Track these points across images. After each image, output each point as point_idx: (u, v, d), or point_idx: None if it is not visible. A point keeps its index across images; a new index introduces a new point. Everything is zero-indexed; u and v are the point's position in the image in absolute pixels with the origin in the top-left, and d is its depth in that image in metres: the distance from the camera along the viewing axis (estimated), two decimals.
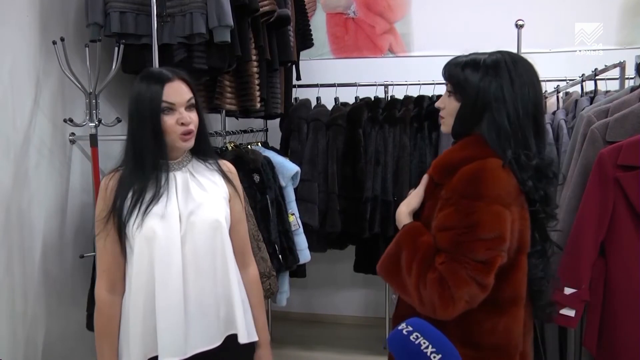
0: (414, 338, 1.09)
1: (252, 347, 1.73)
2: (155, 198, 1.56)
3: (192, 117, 1.58)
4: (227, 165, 1.76)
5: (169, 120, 1.55)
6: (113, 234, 1.58)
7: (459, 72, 1.41)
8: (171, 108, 1.55)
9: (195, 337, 1.58)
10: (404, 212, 1.46)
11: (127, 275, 1.60)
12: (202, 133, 1.65)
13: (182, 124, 1.55)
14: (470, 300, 1.28)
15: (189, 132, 1.57)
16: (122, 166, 1.62)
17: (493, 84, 1.35)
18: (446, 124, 1.49)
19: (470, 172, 1.32)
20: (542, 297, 1.47)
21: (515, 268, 1.36)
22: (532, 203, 1.38)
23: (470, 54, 1.44)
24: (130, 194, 1.56)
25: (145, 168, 1.57)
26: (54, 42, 2.22)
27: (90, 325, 2.43)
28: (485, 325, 1.36)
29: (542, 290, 1.46)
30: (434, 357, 1.05)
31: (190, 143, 1.60)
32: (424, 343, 1.08)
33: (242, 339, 1.64)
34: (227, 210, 1.67)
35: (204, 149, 1.69)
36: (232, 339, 1.65)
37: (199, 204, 1.60)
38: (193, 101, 1.59)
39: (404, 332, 1.11)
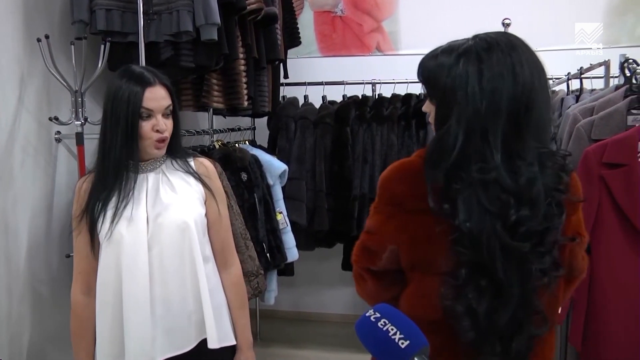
0: (381, 325, 1.08)
1: (230, 350, 1.70)
2: (123, 201, 1.55)
3: (168, 124, 1.57)
4: (203, 164, 1.72)
5: (145, 126, 1.53)
6: (85, 236, 1.58)
7: (429, 68, 1.22)
8: (149, 114, 1.53)
9: (164, 342, 1.56)
10: None
11: (97, 278, 1.60)
12: (175, 135, 1.64)
13: (158, 131, 1.54)
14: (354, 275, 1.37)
15: (163, 140, 1.57)
16: (95, 167, 1.61)
17: (457, 80, 1.12)
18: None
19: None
20: (462, 334, 1.14)
21: (409, 284, 1.24)
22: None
23: (449, 42, 1.21)
24: (101, 198, 1.55)
25: (114, 169, 1.55)
26: (39, 40, 2.19)
27: None
28: None
29: (460, 324, 1.14)
30: (402, 343, 1.04)
31: (163, 151, 1.60)
32: (392, 329, 1.07)
33: (212, 344, 1.60)
34: (200, 210, 1.64)
35: (175, 149, 1.66)
36: (206, 343, 1.61)
37: (166, 206, 1.58)
38: (171, 108, 1.58)
39: (372, 318, 1.10)
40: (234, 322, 1.72)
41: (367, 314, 1.11)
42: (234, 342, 1.70)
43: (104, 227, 1.53)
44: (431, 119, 1.26)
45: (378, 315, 1.10)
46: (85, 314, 1.61)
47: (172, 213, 1.58)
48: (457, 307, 1.13)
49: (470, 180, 1.10)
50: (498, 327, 1.13)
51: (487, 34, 1.16)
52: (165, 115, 1.56)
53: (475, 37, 1.16)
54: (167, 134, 1.57)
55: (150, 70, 1.58)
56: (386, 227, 1.23)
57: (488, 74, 1.09)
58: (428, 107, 1.27)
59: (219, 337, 1.62)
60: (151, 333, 1.53)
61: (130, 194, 1.56)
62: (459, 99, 1.11)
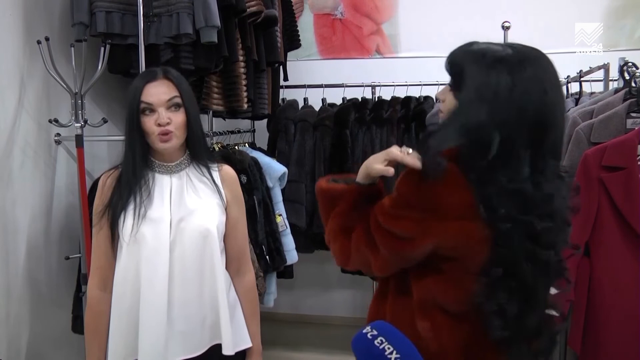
0: (378, 343, 1.09)
1: (240, 356, 1.71)
2: (142, 201, 1.55)
3: (172, 117, 1.54)
4: (228, 173, 1.71)
5: (147, 121, 1.53)
6: (106, 230, 1.57)
7: (455, 64, 1.22)
8: (151, 108, 1.53)
9: (176, 344, 1.56)
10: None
11: (115, 274, 1.60)
12: (194, 135, 1.61)
13: (159, 124, 1.52)
14: (361, 261, 1.28)
15: (166, 133, 1.53)
16: (120, 164, 1.62)
17: (490, 87, 1.14)
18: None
19: (407, 173, 1.22)
20: (492, 332, 1.19)
21: (443, 272, 1.22)
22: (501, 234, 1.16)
23: (486, 43, 1.22)
24: (124, 195, 1.56)
25: (134, 168, 1.56)
26: (39, 42, 2.20)
27: (75, 328, 2.41)
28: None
29: (491, 322, 1.19)
30: None
31: (170, 144, 1.55)
32: (389, 348, 1.07)
33: (227, 351, 1.61)
34: (221, 218, 1.64)
35: (198, 153, 1.65)
36: (218, 348, 1.62)
37: (190, 211, 1.58)
38: (177, 100, 1.55)
39: (369, 336, 1.11)
40: (247, 329, 1.73)
41: (364, 331, 1.11)
42: (249, 345, 1.71)
43: (126, 225, 1.54)
44: (443, 107, 1.29)
45: (375, 332, 1.10)
46: (101, 308, 1.60)
47: (195, 219, 1.58)
48: (488, 306, 1.17)
49: (501, 186, 1.13)
50: (526, 330, 1.20)
51: (523, 46, 1.20)
52: (170, 109, 1.54)
53: (512, 46, 1.20)
54: (172, 127, 1.53)
55: (162, 68, 1.59)
56: (423, 234, 1.18)
57: (520, 87, 1.13)
58: (446, 96, 1.28)
59: (234, 343, 1.63)
60: (165, 335, 1.54)
61: (149, 193, 1.56)
62: (488, 106, 1.14)
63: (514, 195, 1.13)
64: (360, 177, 1.37)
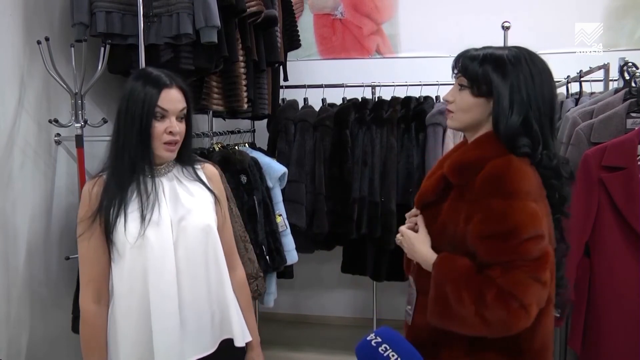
0: (382, 350, 1.09)
1: (243, 350, 1.73)
2: (148, 203, 1.54)
3: (181, 128, 1.56)
4: (211, 171, 1.74)
5: (158, 127, 1.52)
6: (98, 240, 1.54)
7: (476, 66, 1.34)
8: (164, 115, 1.53)
9: (190, 344, 1.56)
10: (425, 251, 1.36)
11: (115, 283, 1.56)
12: (187, 143, 1.64)
13: (170, 132, 1.53)
14: (538, 301, 1.23)
15: (174, 143, 1.55)
16: (106, 170, 1.59)
17: (515, 81, 1.31)
18: (455, 119, 1.41)
19: (495, 169, 1.27)
20: (558, 297, 1.39)
21: None
22: (550, 203, 1.35)
23: (484, 48, 1.38)
24: (116, 199, 1.53)
25: (130, 170, 1.54)
26: (39, 42, 2.20)
27: (75, 328, 2.40)
28: (527, 330, 1.25)
29: (559, 289, 1.39)
30: None
31: (173, 154, 1.58)
32: (393, 356, 1.07)
33: (239, 343, 1.64)
34: (215, 215, 1.66)
35: (185, 157, 1.67)
36: (225, 343, 1.63)
37: (188, 210, 1.59)
38: (185, 112, 1.58)
39: (373, 343, 1.11)
40: (245, 322, 1.75)
41: (368, 338, 1.12)
42: (250, 337, 1.74)
43: (129, 231, 1.51)
44: (454, 107, 1.40)
45: (379, 339, 1.10)
46: (98, 322, 1.56)
47: (195, 217, 1.59)
48: (560, 272, 1.40)
49: (548, 163, 1.33)
50: None
51: (520, 47, 1.38)
52: (179, 119, 1.56)
53: (509, 47, 1.38)
54: (179, 137, 1.57)
55: (167, 73, 1.58)
56: (542, 221, 1.27)
57: (537, 76, 1.33)
58: (456, 97, 1.40)
59: (243, 335, 1.68)
60: (180, 336, 1.54)
61: (152, 196, 1.55)
62: (520, 99, 1.31)
63: (554, 169, 1.33)
64: (425, 263, 1.37)
